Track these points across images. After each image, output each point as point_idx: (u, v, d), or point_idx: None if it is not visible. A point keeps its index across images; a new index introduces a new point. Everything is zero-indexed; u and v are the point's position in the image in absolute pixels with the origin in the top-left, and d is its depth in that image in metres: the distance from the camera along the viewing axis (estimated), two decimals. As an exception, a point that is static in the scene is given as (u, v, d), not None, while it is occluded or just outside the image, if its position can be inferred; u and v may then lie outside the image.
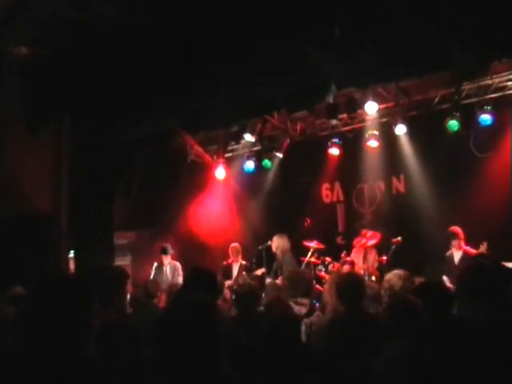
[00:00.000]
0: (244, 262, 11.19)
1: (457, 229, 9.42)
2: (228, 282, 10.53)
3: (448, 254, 9.47)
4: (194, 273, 4.68)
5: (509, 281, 3.75)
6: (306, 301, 6.97)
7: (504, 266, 4.08)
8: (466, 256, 9.02)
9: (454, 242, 9.39)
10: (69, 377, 2.45)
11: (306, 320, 5.76)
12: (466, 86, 10.29)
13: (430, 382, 2.75)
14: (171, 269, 11.23)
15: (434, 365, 2.73)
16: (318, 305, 7.56)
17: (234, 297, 5.50)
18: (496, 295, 3.45)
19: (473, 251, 8.97)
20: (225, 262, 11.16)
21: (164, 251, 11.19)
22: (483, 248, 8.79)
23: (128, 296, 7.03)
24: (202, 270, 4.70)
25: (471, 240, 9.31)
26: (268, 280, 10.16)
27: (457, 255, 9.29)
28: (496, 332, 3.09)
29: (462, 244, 9.34)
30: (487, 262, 3.82)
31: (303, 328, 5.36)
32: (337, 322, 4.66)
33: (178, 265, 11.29)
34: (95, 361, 2.65)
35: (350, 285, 4.92)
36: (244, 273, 10.82)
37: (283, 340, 3.86)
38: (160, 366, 2.57)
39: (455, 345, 2.84)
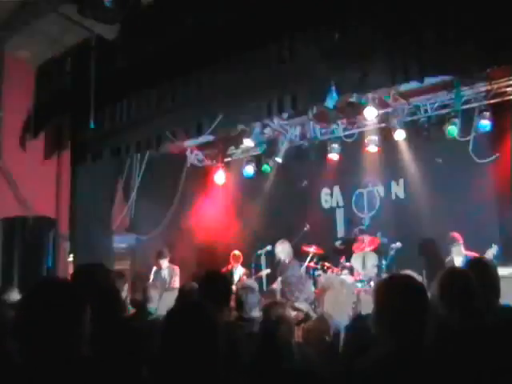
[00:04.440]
0: (244, 269, 11.21)
1: (456, 234, 9.42)
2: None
3: (448, 259, 9.41)
4: (209, 276, 4.72)
5: (488, 289, 3.77)
6: (303, 306, 6.99)
7: (487, 276, 4.05)
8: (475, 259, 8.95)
9: (454, 248, 9.36)
10: (66, 377, 2.46)
11: (303, 325, 5.74)
12: (465, 92, 10.32)
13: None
14: (169, 273, 11.25)
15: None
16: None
17: (234, 302, 5.49)
18: (472, 301, 3.47)
19: (476, 255, 8.96)
20: (224, 269, 11.14)
21: (160, 255, 11.20)
22: (491, 252, 8.78)
23: (127, 299, 7.07)
24: (218, 274, 4.76)
25: (470, 245, 9.30)
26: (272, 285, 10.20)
27: (457, 261, 9.26)
28: (472, 336, 3.10)
29: (462, 249, 9.32)
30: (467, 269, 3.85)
31: (300, 333, 5.35)
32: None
33: (176, 268, 11.31)
34: (93, 361, 2.65)
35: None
36: (245, 277, 10.83)
37: (274, 344, 3.87)
38: (160, 370, 2.59)
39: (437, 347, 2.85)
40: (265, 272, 10.78)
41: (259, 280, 10.57)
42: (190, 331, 2.56)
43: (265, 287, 11.28)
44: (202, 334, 2.56)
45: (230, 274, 11.08)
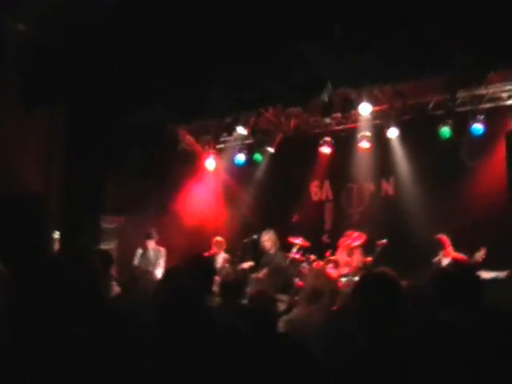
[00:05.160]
0: (226, 255, 11.21)
1: (443, 237, 9.43)
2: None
3: (435, 260, 9.45)
4: (195, 259, 4.76)
5: (476, 289, 3.82)
6: (285, 297, 7.01)
7: (474, 276, 4.09)
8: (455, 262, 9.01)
9: (441, 251, 9.42)
10: (59, 353, 2.48)
11: (284, 317, 5.75)
12: (461, 94, 10.34)
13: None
14: (155, 254, 11.29)
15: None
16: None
17: (219, 287, 5.50)
18: (463, 301, 3.51)
19: (461, 257, 8.99)
20: (206, 254, 11.12)
21: (148, 236, 11.26)
22: (481, 254, 8.82)
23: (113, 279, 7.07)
24: (203, 258, 4.81)
25: (458, 247, 9.35)
26: (254, 274, 10.18)
27: (444, 262, 9.31)
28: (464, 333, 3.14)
29: (451, 251, 9.36)
30: (458, 269, 3.89)
31: (280, 325, 5.37)
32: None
33: (163, 250, 11.35)
34: (85, 340, 2.68)
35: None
36: (227, 265, 10.82)
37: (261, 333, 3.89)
38: (150, 352, 2.61)
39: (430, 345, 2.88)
40: (247, 265, 10.75)
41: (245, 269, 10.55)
42: (185, 317, 2.58)
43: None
44: (197, 319, 2.58)
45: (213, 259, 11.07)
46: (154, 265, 10.99)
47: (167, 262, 11.16)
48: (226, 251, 11.35)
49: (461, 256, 9.07)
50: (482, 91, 10.22)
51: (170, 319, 2.60)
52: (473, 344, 2.87)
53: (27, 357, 2.47)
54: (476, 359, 2.79)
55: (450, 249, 9.37)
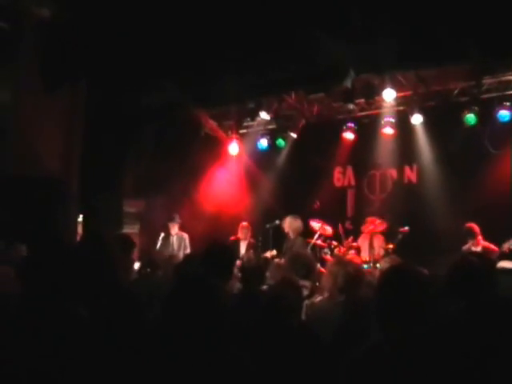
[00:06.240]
0: (251, 241, 11.20)
1: (473, 226, 9.31)
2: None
3: (465, 248, 9.23)
4: (214, 247, 4.74)
5: (493, 280, 3.78)
6: (307, 283, 6.99)
7: (493, 267, 4.06)
8: (486, 251, 8.89)
9: (471, 239, 9.29)
10: (61, 330, 2.52)
11: (306, 302, 5.79)
12: (487, 81, 10.20)
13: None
14: (178, 240, 11.31)
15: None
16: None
17: (240, 273, 5.52)
18: (479, 293, 3.47)
19: (492, 247, 8.91)
20: (232, 237, 11.14)
21: (171, 219, 11.30)
22: (508, 245, 8.74)
23: (136, 265, 7.12)
24: (222, 244, 4.80)
25: (485, 237, 9.26)
26: (275, 260, 10.17)
27: (474, 250, 9.20)
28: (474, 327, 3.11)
29: (481, 240, 9.26)
30: (476, 259, 3.82)
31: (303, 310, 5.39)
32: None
33: (186, 236, 11.37)
34: (91, 321, 2.71)
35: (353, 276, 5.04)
36: (251, 251, 10.82)
37: (280, 320, 3.89)
38: (163, 340, 2.62)
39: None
40: (270, 253, 10.74)
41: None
42: (193, 306, 2.58)
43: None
44: (205, 309, 2.58)
45: (237, 245, 11.09)
46: (178, 250, 11.02)
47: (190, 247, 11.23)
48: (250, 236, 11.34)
49: (492, 245, 8.98)
50: (509, 77, 10.08)
51: (174, 308, 2.61)
52: (484, 340, 2.85)
53: (36, 339, 2.51)
54: (489, 355, 2.77)
55: (480, 237, 9.26)
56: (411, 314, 2.71)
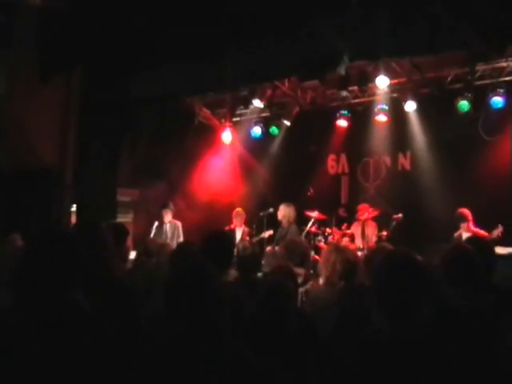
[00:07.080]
0: (247, 229, 11.23)
1: (465, 211, 9.31)
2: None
3: (456, 234, 9.31)
4: (212, 236, 4.73)
5: (490, 267, 3.79)
6: (301, 270, 7.01)
7: (489, 253, 4.06)
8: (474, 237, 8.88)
9: (463, 224, 9.29)
10: (59, 321, 2.52)
11: (301, 289, 5.81)
12: (480, 67, 10.19)
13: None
14: (171, 227, 11.33)
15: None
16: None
17: (236, 261, 5.53)
18: (476, 279, 3.48)
19: (482, 232, 8.92)
20: (228, 227, 11.15)
21: (165, 206, 11.32)
22: (497, 232, 8.76)
23: (131, 253, 7.10)
24: (222, 234, 4.79)
25: (476, 223, 9.27)
26: (268, 247, 10.20)
27: (465, 237, 9.22)
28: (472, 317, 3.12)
29: (471, 226, 9.28)
30: (472, 247, 3.83)
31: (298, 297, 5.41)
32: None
33: (179, 224, 11.39)
34: (87, 311, 2.71)
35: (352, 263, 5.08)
36: (248, 238, 10.84)
37: (275, 308, 3.90)
38: (160, 327, 2.62)
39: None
40: (267, 233, 10.78)
41: (260, 242, 10.57)
42: (193, 294, 2.58)
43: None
44: (205, 297, 2.58)
45: (232, 233, 11.10)
46: (171, 238, 11.03)
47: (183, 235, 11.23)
48: (244, 224, 11.36)
49: (482, 231, 8.99)
50: (502, 64, 10.07)
51: (173, 296, 2.61)
52: (484, 328, 2.86)
53: (30, 328, 2.51)
54: (489, 343, 2.78)
55: (471, 224, 9.28)
56: (410, 300, 2.72)
